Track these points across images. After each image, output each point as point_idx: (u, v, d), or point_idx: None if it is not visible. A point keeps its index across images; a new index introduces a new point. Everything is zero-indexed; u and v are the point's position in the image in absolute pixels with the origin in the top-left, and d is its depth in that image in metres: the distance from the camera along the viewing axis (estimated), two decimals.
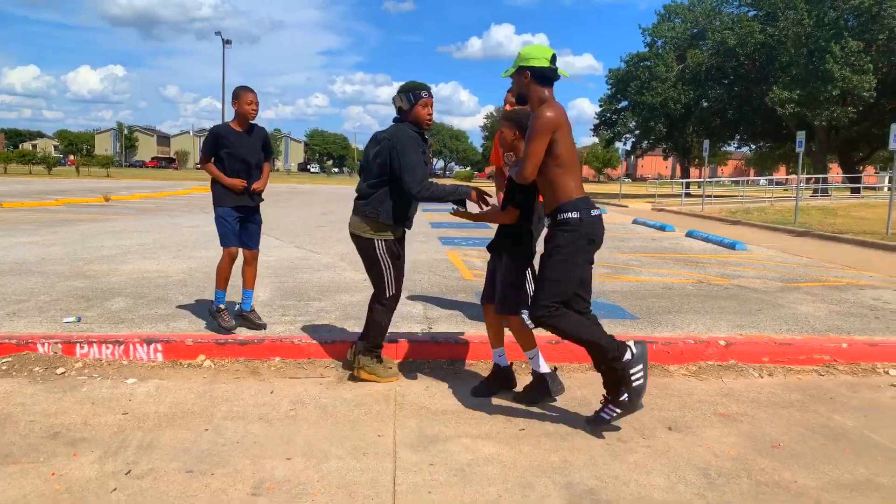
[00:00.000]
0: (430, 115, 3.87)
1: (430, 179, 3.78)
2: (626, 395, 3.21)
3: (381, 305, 3.92)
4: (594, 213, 3.27)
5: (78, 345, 4.25)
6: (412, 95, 3.80)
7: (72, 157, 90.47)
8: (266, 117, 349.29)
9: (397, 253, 3.93)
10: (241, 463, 2.88)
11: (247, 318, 4.79)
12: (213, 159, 4.70)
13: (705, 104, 41.13)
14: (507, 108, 4.57)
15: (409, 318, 5.23)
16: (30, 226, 11.99)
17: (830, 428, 3.46)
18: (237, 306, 4.94)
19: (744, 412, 3.66)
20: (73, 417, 3.33)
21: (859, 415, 3.65)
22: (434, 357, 4.40)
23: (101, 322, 4.90)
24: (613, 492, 2.71)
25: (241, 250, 4.79)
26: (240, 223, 4.76)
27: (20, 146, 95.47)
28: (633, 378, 3.20)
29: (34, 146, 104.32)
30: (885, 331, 5.21)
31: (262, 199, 4.90)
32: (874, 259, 10.20)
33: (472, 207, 3.99)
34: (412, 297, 6.11)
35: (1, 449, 2.95)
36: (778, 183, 39.85)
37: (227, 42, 42.51)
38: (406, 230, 4.05)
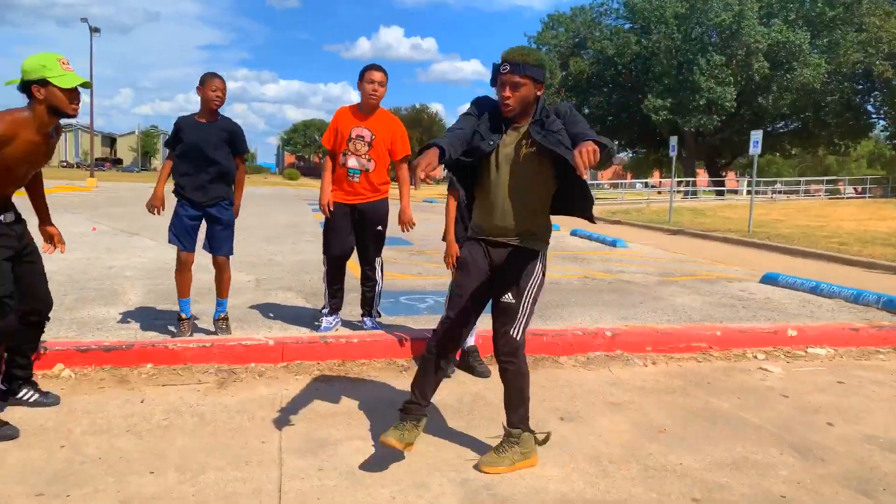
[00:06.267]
0: None
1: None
2: None
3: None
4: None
5: None
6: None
7: None
8: (142, 112, 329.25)
9: None
10: (102, 482, 2.56)
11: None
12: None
13: (587, 111, 43.08)
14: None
15: (298, 320, 4.99)
16: None
17: (709, 411, 3.62)
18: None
19: (631, 400, 3.76)
20: None
21: (733, 397, 3.85)
22: (323, 358, 4.20)
23: None
24: (509, 486, 2.66)
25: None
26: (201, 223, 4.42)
27: None
28: None
29: None
30: (752, 319, 5.59)
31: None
32: (739, 254, 11.05)
33: None
34: (307, 295, 5.85)
35: None
36: (652, 186, 42.49)
37: (94, 30, 39.32)
38: None
